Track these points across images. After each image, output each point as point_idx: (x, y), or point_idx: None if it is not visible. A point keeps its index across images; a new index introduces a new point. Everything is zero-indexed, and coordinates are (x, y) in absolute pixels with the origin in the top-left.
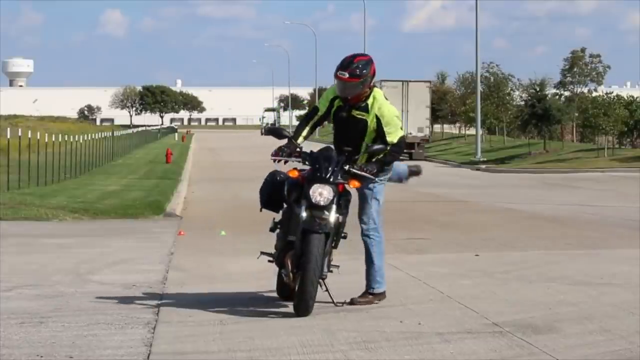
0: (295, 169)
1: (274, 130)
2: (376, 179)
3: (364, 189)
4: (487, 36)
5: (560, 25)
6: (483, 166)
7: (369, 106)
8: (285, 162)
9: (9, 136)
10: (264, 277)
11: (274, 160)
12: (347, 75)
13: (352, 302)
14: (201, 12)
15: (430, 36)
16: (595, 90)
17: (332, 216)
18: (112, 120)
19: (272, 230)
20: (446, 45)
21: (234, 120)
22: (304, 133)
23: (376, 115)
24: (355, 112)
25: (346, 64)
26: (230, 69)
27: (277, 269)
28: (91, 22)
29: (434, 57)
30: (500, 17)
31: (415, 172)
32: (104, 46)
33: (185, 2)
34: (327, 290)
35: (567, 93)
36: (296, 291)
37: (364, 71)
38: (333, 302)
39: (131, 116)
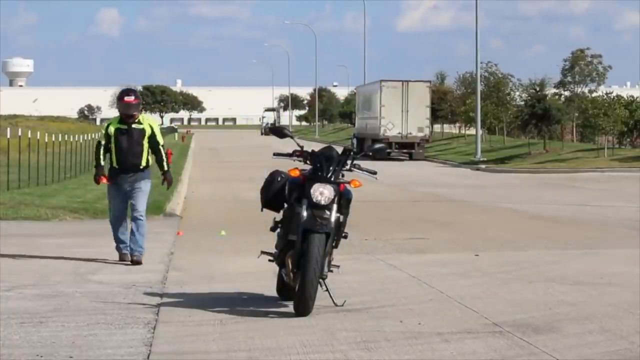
0: (296, 168)
1: (275, 130)
2: (377, 178)
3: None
4: (482, 36)
5: (555, 25)
6: (483, 166)
7: None
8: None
9: (9, 136)
10: (264, 277)
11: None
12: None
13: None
14: (202, 12)
15: (425, 36)
16: (596, 90)
17: (333, 216)
18: None
19: (272, 229)
20: (442, 46)
21: (234, 120)
22: None
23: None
24: None
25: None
26: (230, 68)
27: (277, 268)
28: (90, 21)
29: (430, 57)
30: (495, 17)
31: None
32: (104, 46)
33: (187, 3)
34: (327, 290)
35: (567, 93)
36: (296, 291)
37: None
38: (333, 302)
39: None
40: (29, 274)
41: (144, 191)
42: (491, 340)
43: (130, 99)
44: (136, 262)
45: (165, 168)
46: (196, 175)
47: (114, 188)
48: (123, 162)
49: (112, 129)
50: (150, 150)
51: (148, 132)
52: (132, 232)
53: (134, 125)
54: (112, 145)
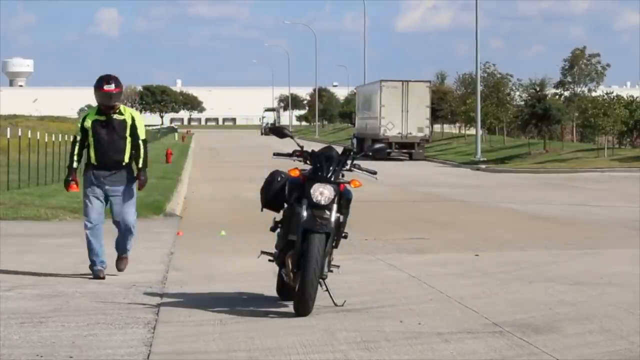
0: (296, 168)
1: (275, 130)
2: (377, 178)
3: (119, 192)
4: (482, 36)
5: (555, 25)
6: (483, 166)
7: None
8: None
9: (9, 136)
10: (264, 277)
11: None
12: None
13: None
14: (200, 12)
15: (425, 36)
16: (595, 90)
17: (333, 216)
18: None
19: (272, 229)
20: (441, 46)
21: (233, 120)
22: None
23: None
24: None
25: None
26: (229, 68)
27: (277, 268)
28: (89, 21)
29: (430, 57)
30: (495, 17)
31: None
32: (104, 46)
33: (186, 3)
34: (327, 290)
35: (567, 93)
36: (296, 291)
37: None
38: (333, 302)
39: None
40: (29, 274)
41: (130, 195)
42: (491, 340)
43: (111, 87)
44: (119, 268)
45: (141, 166)
46: (196, 175)
47: (92, 189)
48: (103, 158)
49: (88, 122)
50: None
51: (129, 123)
52: (118, 241)
53: (114, 116)
54: (90, 140)
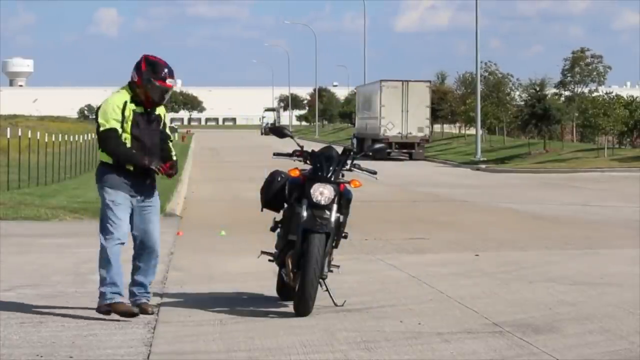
0: (296, 168)
1: (275, 130)
2: (377, 178)
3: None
4: (481, 36)
5: (554, 25)
6: (483, 166)
7: None
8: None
9: (9, 136)
10: (264, 277)
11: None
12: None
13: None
14: (200, 12)
15: (424, 36)
16: (596, 90)
17: (333, 216)
18: None
19: (272, 229)
20: (441, 45)
21: (233, 120)
22: None
23: None
24: None
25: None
26: (229, 68)
27: (277, 268)
28: (89, 21)
29: (430, 57)
30: (494, 17)
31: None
32: (103, 46)
33: (185, 3)
34: (327, 290)
35: (567, 93)
36: (296, 291)
37: None
38: (333, 302)
39: None
40: (29, 274)
41: (158, 209)
42: (491, 340)
43: (172, 82)
44: (146, 311)
45: (175, 158)
46: (196, 175)
47: (122, 197)
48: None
49: (129, 111)
50: None
51: (163, 119)
52: (139, 267)
53: (155, 110)
54: (126, 136)
